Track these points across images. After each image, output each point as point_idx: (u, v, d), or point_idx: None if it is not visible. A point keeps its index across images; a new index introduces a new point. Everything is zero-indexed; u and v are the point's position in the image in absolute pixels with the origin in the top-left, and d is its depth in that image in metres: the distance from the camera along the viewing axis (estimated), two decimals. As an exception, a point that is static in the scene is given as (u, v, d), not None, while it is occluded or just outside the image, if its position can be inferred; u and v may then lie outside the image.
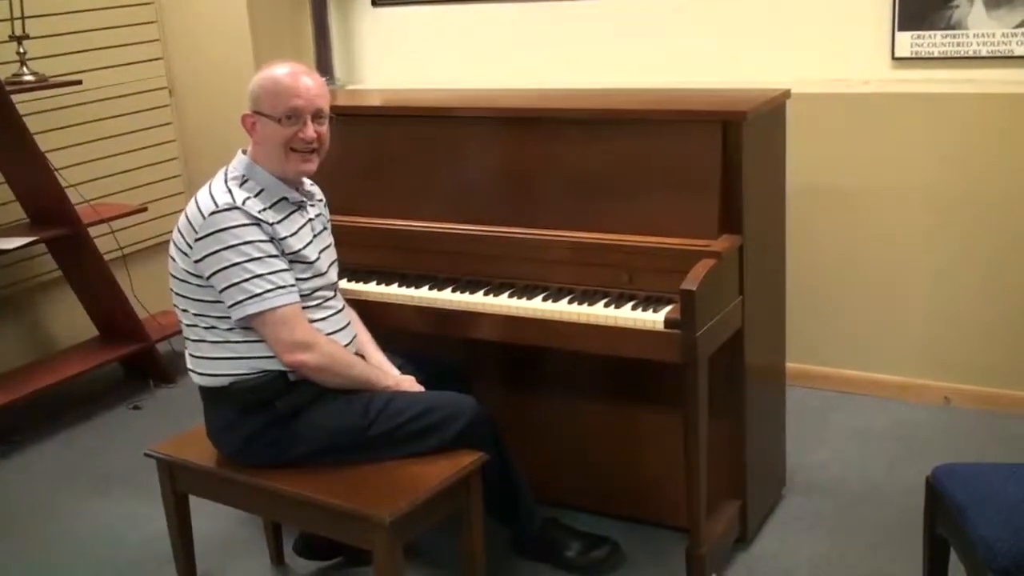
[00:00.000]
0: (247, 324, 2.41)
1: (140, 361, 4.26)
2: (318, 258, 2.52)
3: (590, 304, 2.58)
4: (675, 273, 2.46)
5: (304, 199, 2.55)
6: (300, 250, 2.47)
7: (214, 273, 2.37)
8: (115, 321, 4.22)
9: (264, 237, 2.39)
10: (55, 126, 4.18)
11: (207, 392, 2.53)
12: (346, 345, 2.56)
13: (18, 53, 3.90)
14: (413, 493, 2.35)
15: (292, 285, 2.41)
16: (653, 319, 2.48)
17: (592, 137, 2.74)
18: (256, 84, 2.47)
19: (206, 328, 2.46)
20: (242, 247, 2.36)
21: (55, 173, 3.90)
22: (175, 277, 2.48)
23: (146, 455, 2.66)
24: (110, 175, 4.44)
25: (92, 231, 4.04)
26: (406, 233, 2.89)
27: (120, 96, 4.47)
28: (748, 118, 2.56)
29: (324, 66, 4.53)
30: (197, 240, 2.38)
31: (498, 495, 2.64)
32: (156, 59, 4.63)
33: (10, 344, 4.21)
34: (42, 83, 3.96)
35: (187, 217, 2.43)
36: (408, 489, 2.37)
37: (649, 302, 2.54)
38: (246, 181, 2.46)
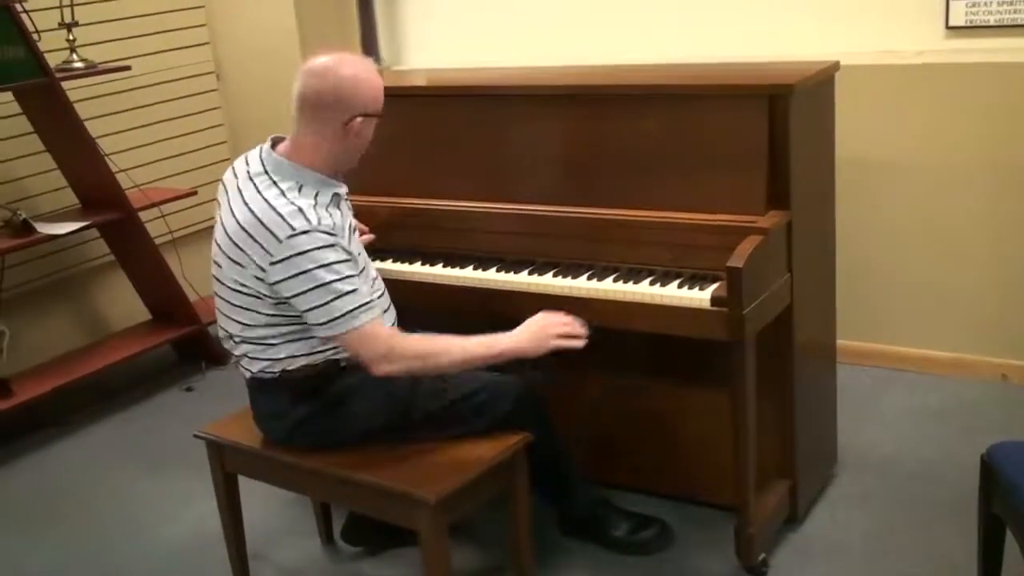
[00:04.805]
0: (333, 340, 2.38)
1: (192, 343, 4.32)
2: (360, 252, 2.49)
3: (636, 282, 2.56)
4: (722, 250, 2.43)
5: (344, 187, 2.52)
6: (358, 254, 2.44)
7: (295, 295, 2.32)
8: (167, 304, 4.27)
9: (343, 257, 2.32)
10: (105, 112, 4.24)
11: (257, 382, 2.52)
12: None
13: (68, 40, 3.95)
14: (459, 473, 2.36)
15: (370, 301, 2.36)
16: (700, 297, 2.45)
17: (637, 113, 2.70)
18: (358, 87, 2.40)
19: (270, 327, 2.41)
20: (319, 271, 2.29)
21: (106, 159, 3.95)
22: (237, 289, 2.40)
23: (195, 436, 2.70)
24: (159, 160, 4.49)
25: (143, 215, 4.09)
26: (449, 213, 2.88)
27: (168, 81, 4.51)
28: (796, 91, 2.52)
29: (370, 47, 4.53)
30: (273, 264, 2.31)
31: (545, 475, 2.64)
32: (203, 44, 4.67)
33: (65, 327, 4.29)
34: (91, 70, 4.01)
35: (250, 234, 2.33)
36: (454, 469, 2.37)
37: (695, 280, 2.52)
38: (301, 187, 2.39)
